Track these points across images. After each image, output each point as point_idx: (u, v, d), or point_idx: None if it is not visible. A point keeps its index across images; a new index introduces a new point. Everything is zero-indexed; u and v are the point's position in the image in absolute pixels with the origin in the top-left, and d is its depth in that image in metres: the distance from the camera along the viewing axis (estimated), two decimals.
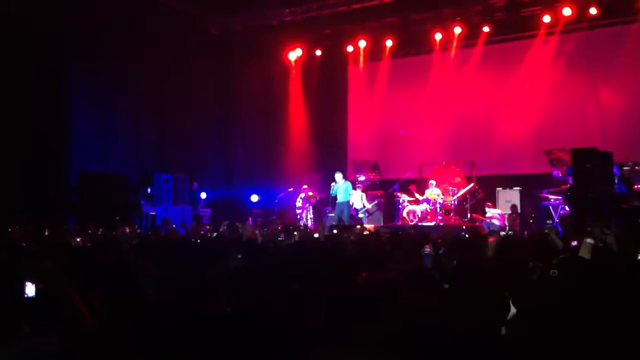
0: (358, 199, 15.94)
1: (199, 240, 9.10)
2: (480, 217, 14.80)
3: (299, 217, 16.44)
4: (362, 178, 17.01)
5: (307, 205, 16.38)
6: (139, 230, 12.09)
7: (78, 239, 8.35)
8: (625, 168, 12.79)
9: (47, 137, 13.59)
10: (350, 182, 16.16)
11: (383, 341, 2.58)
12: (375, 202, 16.29)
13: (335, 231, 10.77)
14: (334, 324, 2.87)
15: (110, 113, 15.39)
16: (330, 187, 15.51)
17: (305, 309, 3.26)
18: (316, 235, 9.54)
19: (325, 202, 16.73)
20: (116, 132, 15.54)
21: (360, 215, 15.75)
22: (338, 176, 15.53)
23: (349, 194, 15.38)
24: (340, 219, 14.19)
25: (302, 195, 16.49)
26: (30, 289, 3.44)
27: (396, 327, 2.70)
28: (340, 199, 15.33)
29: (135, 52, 15.43)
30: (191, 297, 3.75)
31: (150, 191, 15.30)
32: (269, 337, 2.90)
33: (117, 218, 12.44)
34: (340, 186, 15.34)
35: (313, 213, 16.61)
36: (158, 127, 16.80)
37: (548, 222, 13.01)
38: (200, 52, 17.11)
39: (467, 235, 10.17)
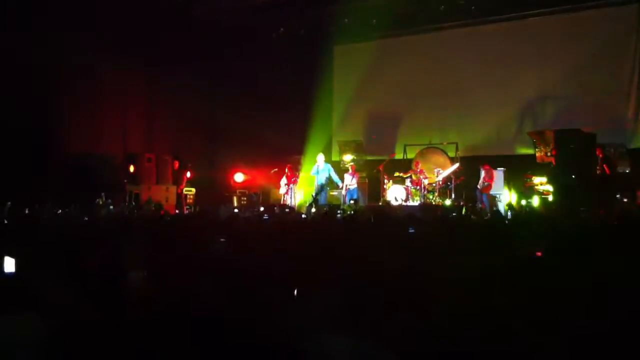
0: (349, 181, 15.94)
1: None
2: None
3: (283, 197, 16.41)
4: (347, 158, 16.98)
5: (290, 185, 16.36)
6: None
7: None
8: (607, 150, 12.90)
9: (33, 116, 13.53)
10: (340, 163, 16.18)
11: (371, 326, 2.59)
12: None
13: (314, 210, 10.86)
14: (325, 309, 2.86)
15: (96, 94, 15.30)
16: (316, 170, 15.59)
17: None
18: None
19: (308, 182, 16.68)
20: (102, 112, 15.47)
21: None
22: (320, 158, 15.60)
23: (328, 176, 15.46)
24: (316, 200, 14.27)
25: (287, 173, 16.46)
26: (9, 264, 3.29)
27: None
28: (319, 181, 15.42)
29: (121, 36, 15.29)
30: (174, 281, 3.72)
31: (134, 170, 15.24)
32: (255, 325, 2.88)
33: (103, 194, 12.42)
34: (321, 169, 15.42)
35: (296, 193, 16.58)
36: (143, 107, 16.73)
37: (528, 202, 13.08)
38: (185, 35, 16.96)
39: (454, 214, 10.25)
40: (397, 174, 15.83)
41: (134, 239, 5.32)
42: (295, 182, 16.30)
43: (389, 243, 5.07)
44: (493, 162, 15.08)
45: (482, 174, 14.71)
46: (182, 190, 16.28)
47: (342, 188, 15.86)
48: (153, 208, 11.78)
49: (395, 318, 2.83)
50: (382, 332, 2.68)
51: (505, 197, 14.33)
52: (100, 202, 11.21)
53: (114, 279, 3.66)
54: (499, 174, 14.69)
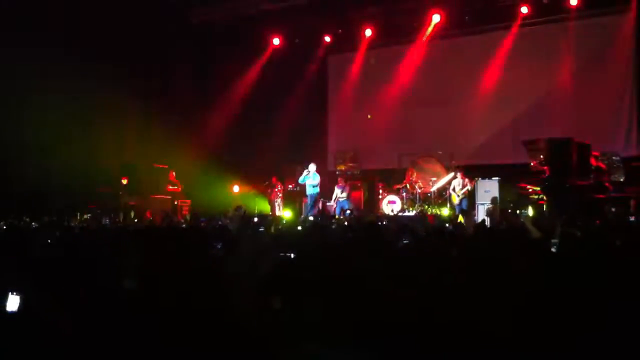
0: (340, 193, 15.96)
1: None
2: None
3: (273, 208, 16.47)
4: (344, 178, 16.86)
5: (279, 195, 16.44)
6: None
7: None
8: (600, 159, 12.92)
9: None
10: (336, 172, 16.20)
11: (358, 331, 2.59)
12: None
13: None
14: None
15: (92, 103, 15.31)
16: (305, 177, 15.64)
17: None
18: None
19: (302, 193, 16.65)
20: (99, 123, 15.50)
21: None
22: (311, 167, 15.59)
23: (317, 185, 15.48)
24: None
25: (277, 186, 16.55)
26: (12, 302, 3.09)
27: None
28: (309, 191, 15.49)
29: (115, 42, 15.30)
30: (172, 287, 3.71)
31: (129, 182, 15.23)
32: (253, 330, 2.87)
33: (96, 209, 12.38)
34: (310, 178, 15.43)
35: (282, 204, 16.62)
36: (139, 118, 16.73)
37: (524, 212, 13.11)
38: (180, 42, 16.99)
39: (448, 226, 10.22)
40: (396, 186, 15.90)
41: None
42: (280, 192, 16.38)
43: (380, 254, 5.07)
44: (487, 171, 15.11)
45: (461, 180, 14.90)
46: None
47: (334, 201, 15.85)
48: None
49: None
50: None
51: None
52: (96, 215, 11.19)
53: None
54: (493, 183, 14.71)
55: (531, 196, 13.30)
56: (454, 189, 14.98)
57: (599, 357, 2.71)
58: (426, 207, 15.36)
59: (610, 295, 3.19)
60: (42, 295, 3.17)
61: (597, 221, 9.55)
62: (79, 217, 12.07)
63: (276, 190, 16.52)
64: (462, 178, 14.88)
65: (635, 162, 13.04)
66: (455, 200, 14.90)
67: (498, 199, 14.67)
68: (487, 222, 11.22)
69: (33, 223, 9.84)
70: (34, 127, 13.72)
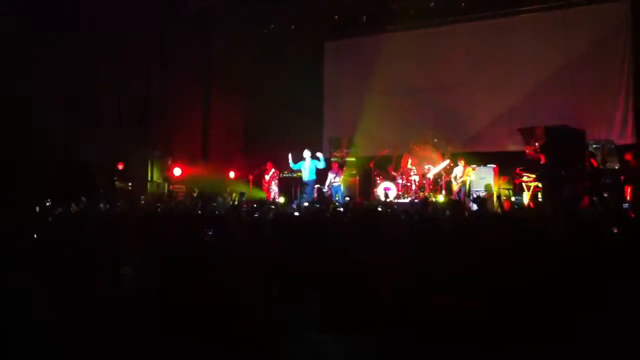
0: (333, 178, 16.00)
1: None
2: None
3: (270, 194, 16.50)
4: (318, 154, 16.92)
5: (271, 182, 16.48)
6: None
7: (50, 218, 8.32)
8: (594, 146, 12.97)
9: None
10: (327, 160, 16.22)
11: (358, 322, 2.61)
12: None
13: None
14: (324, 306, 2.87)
15: (87, 90, 15.24)
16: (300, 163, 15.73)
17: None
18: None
19: (298, 180, 16.67)
20: (94, 109, 15.43)
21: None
22: (306, 153, 15.60)
23: (315, 172, 15.50)
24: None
25: (272, 171, 16.59)
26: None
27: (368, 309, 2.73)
28: (305, 177, 15.54)
29: (112, 30, 15.21)
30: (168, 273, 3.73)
31: (123, 168, 15.21)
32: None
33: (100, 192, 12.38)
34: (307, 165, 15.44)
35: (278, 189, 16.66)
36: (136, 102, 16.67)
37: (518, 198, 13.19)
38: (178, 27, 16.90)
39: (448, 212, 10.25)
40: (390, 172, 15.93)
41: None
42: (274, 179, 16.39)
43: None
44: (484, 158, 15.14)
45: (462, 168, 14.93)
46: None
47: (328, 187, 15.92)
48: None
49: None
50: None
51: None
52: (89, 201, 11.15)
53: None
54: (488, 170, 14.74)
55: (527, 183, 13.36)
56: (455, 177, 15.00)
57: (598, 342, 2.74)
58: (421, 193, 15.36)
59: (609, 283, 3.22)
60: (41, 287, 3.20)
61: (591, 208, 9.62)
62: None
63: (271, 175, 16.52)
64: (464, 167, 14.89)
65: (630, 150, 13.07)
66: (455, 188, 14.93)
67: (492, 186, 14.73)
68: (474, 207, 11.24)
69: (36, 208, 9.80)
70: (32, 116, 13.67)
